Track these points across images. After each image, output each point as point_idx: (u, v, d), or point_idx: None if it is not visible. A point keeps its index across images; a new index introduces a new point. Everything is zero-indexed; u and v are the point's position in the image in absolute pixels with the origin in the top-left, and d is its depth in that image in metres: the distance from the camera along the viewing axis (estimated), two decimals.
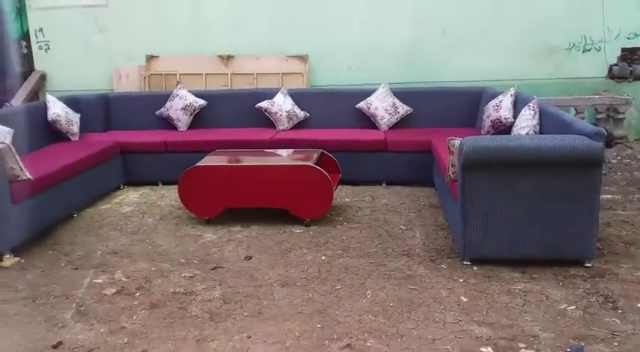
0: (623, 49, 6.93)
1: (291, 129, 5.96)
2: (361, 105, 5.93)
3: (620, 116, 6.39)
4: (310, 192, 4.38)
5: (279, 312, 3.15)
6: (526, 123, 4.24)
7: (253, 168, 4.47)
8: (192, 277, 3.69)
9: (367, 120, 5.95)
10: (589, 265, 3.61)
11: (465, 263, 3.72)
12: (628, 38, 6.85)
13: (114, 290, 3.48)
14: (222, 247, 4.16)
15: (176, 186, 4.64)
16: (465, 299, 3.23)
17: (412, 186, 5.51)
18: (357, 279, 3.53)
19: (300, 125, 6.02)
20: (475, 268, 3.65)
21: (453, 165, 3.76)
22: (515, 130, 4.32)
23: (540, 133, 4.20)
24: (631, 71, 6.88)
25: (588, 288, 3.35)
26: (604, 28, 6.82)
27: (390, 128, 5.86)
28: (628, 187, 5.35)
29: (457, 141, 3.64)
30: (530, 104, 4.35)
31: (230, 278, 3.63)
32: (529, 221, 3.55)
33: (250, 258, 3.96)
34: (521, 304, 3.17)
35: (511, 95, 5.11)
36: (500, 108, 5.07)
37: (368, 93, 5.99)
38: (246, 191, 4.47)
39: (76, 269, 3.84)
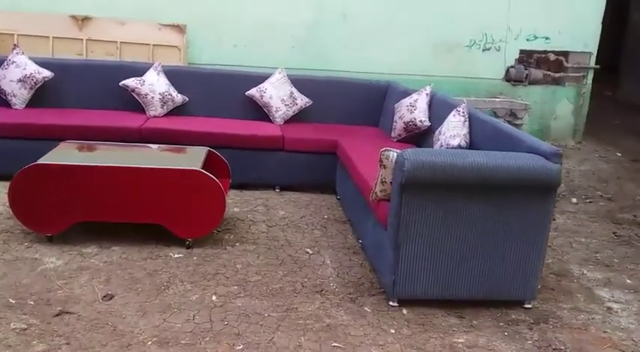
0: (521, 51, 6.72)
1: (165, 115, 4.84)
2: (253, 92, 4.99)
3: (518, 121, 6.16)
4: (195, 204, 3.39)
5: None
6: (455, 131, 3.64)
7: (117, 170, 3.35)
8: (24, 330, 2.58)
9: (258, 111, 5.02)
10: (529, 306, 3.09)
11: (391, 304, 3.02)
12: (527, 39, 6.66)
13: None
14: (71, 279, 3.05)
15: (6, 184, 3.37)
16: None
17: (310, 193, 4.72)
18: (263, 333, 2.66)
19: (177, 111, 4.92)
20: (405, 311, 2.97)
21: (383, 182, 3.02)
22: (442, 139, 3.70)
23: (471, 145, 3.61)
24: (527, 75, 6.71)
25: (537, 340, 2.81)
26: (506, 27, 6.54)
27: (285, 122, 5.00)
28: None
29: (393, 154, 2.90)
30: (459, 109, 3.75)
31: (82, 332, 2.58)
32: (471, 253, 2.94)
33: (112, 297, 2.91)
34: None
35: (426, 95, 4.51)
36: (415, 109, 4.44)
37: (261, 78, 5.06)
38: (105, 200, 3.35)
39: None
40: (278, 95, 4.95)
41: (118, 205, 3.38)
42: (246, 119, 5.00)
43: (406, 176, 2.74)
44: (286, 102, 4.97)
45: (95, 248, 3.41)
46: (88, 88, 4.90)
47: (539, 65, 6.81)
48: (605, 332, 2.94)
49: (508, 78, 6.77)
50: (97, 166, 3.34)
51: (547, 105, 6.92)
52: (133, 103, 4.80)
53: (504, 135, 3.30)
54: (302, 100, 5.03)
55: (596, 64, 6.90)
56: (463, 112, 3.72)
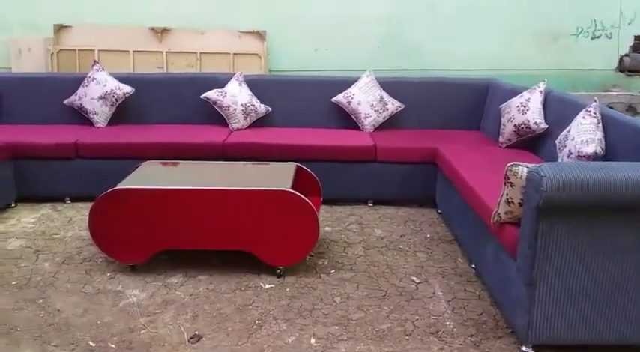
0: (636, 37, 5.92)
1: (248, 127, 4.55)
2: (339, 98, 4.59)
3: (639, 117, 5.39)
4: (286, 228, 3.03)
5: None
6: (588, 135, 3.05)
7: (201, 193, 3.04)
8: None
9: (346, 119, 4.63)
10: None
11: (524, 349, 2.50)
12: None
13: None
14: (156, 315, 2.76)
15: (89, 205, 3.15)
16: None
17: (407, 207, 4.26)
18: None
19: (260, 122, 4.62)
20: None
21: (509, 202, 2.52)
22: (570, 145, 3.13)
23: (608, 153, 3.02)
24: None
25: None
26: (618, 11, 5.77)
27: (375, 129, 4.57)
28: None
29: (522, 169, 2.39)
30: (589, 108, 3.17)
31: None
32: (622, 288, 2.37)
33: (199, 338, 2.59)
34: None
35: (540, 92, 3.92)
36: (528, 109, 3.87)
37: (347, 83, 4.66)
38: (189, 226, 3.06)
39: None
40: (367, 100, 4.52)
41: (203, 231, 3.07)
42: (333, 128, 4.62)
43: (544, 198, 2.22)
44: (376, 108, 4.53)
45: (180, 277, 3.12)
46: (169, 102, 4.69)
47: None
48: None
49: (622, 68, 6.00)
50: (180, 190, 3.05)
51: None
52: (215, 116, 4.54)
53: None
54: (393, 105, 4.58)
55: None
56: (595, 112, 3.13)
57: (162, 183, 3.18)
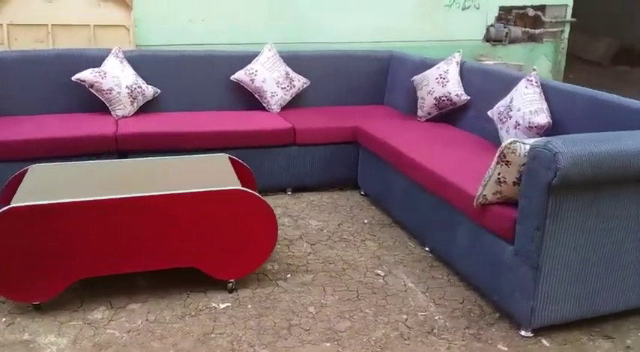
0: (500, 8, 6.21)
1: (135, 114, 3.83)
2: (240, 76, 4.07)
3: None
4: (239, 234, 2.53)
5: None
6: (535, 105, 3.00)
7: (130, 202, 2.39)
8: None
9: (248, 99, 4.13)
10: None
11: (523, 334, 2.38)
12: None
13: None
14: None
15: None
16: None
17: (328, 192, 3.96)
18: None
19: (147, 107, 3.92)
20: (546, 342, 2.34)
21: (501, 182, 2.34)
22: (517, 116, 3.05)
23: (555, 123, 2.99)
24: (506, 33, 6.23)
25: None
26: None
27: (282, 108, 4.15)
28: None
29: (523, 146, 2.22)
30: (530, 78, 3.11)
31: None
32: (621, 260, 2.35)
33: None
34: None
35: (457, 63, 3.85)
36: (448, 81, 3.77)
37: (244, 58, 4.16)
38: (117, 245, 2.41)
39: None
40: (272, 77, 4.07)
41: (134, 250, 2.44)
42: (235, 109, 4.11)
43: (561, 175, 2.06)
44: (282, 85, 4.10)
45: (105, 311, 2.47)
46: (30, 87, 3.76)
47: (516, 22, 6.36)
48: None
49: (488, 38, 6.25)
50: (99, 201, 2.36)
51: (526, 64, 6.50)
52: (90, 102, 3.74)
53: (614, 108, 2.68)
54: (299, 81, 4.19)
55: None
56: (536, 82, 3.09)
57: (65, 195, 2.44)
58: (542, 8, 6.40)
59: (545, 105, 3.01)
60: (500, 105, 3.24)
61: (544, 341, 2.35)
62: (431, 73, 3.88)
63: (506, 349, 2.30)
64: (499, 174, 2.34)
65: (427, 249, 3.11)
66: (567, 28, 6.63)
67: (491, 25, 6.23)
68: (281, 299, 2.59)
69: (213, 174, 2.77)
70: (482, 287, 2.62)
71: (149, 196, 2.38)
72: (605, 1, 9.73)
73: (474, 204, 2.49)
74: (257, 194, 2.51)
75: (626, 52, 9.81)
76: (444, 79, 3.79)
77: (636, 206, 2.28)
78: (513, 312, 2.41)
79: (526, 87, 3.10)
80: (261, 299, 2.58)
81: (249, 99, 4.14)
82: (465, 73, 3.84)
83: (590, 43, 9.82)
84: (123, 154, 3.44)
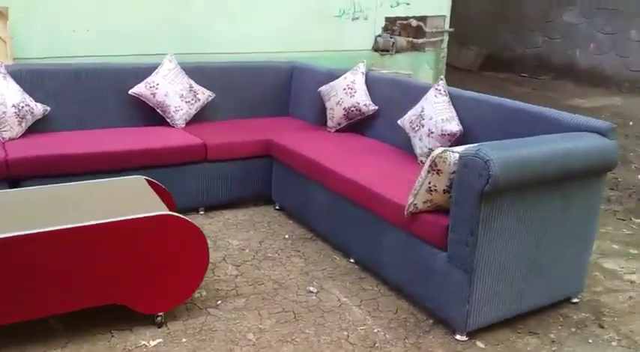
0: (386, 19, 6.46)
1: (24, 135, 3.44)
2: (140, 90, 3.83)
3: None
4: (168, 263, 2.36)
5: None
6: (447, 114, 3.13)
7: (43, 237, 2.12)
8: None
9: (148, 114, 3.89)
10: (576, 300, 2.81)
11: (458, 338, 2.46)
12: (391, 6, 6.41)
13: None
14: None
15: None
16: None
17: (241, 209, 3.84)
18: None
19: (35, 127, 3.54)
20: (480, 344, 2.44)
21: (431, 191, 2.40)
22: (430, 124, 3.15)
23: (463, 127, 3.14)
24: (393, 43, 6.49)
25: (619, 339, 2.53)
26: None
27: (187, 123, 3.96)
28: None
29: (453, 155, 2.30)
30: (438, 87, 3.24)
31: None
32: (541, 257, 2.52)
33: None
34: None
35: (362, 73, 3.92)
36: (355, 91, 3.83)
37: (141, 71, 3.91)
38: (26, 289, 2.13)
39: None
40: (175, 90, 3.87)
41: (43, 292, 2.17)
42: (135, 126, 3.85)
43: (493, 182, 2.16)
44: (187, 99, 3.92)
45: None
46: None
47: (401, 32, 6.66)
48: None
49: (376, 47, 6.48)
50: (7, 239, 2.07)
51: (412, 72, 6.83)
52: None
53: (524, 114, 2.85)
54: (203, 94, 4.03)
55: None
56: (444, 91, 3.23)
57: None
58: (423, 19, 6.75)
59: (454, 114, 3.16)
60: (412, 114, 3.35)
61: (479, 343, 2.44)
62: (338, 84, 3.92)
63: None
64: (429, 183, 2.40)
65: (352, 260, 3.12)
66: (446, 38, 7.05)
67: (379, 36, 6.46)
68: (216, 328, 2.45)
69: (131, 198, 2.56)
70: (414, 295, 2.68)
71: (60, 230, 2.14)
72: (473, 14, 10.51)
73: (405, 213, 2.54)
74: (186, 218, 2.36)
75: (492, 59, 10.67)
76: (351, 89, 3.84)
77: (552, 205, 2.46)
78: (448, 318, 2.49)
79: (435, 95, 3.22)
80: (195, 330, 2.42)
81: (150, 115, 3.90)
82: (369, 83, 3.92)
83: (461, 52, 10.55)
84: (13, 182, 3.07)
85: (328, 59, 5.70)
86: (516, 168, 2.22)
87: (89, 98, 3.77)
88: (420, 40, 6.77)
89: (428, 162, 2.38)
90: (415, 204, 2.49)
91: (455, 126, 3.08)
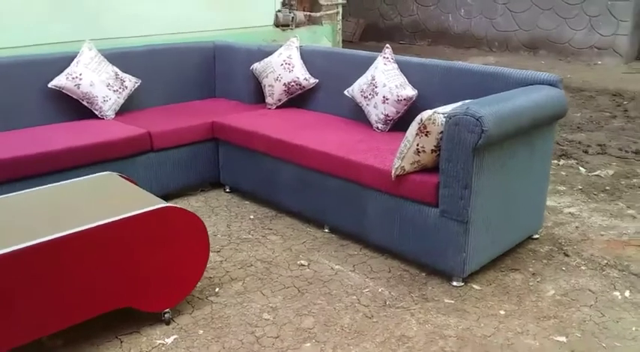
0: None
1: None
2: (61, 82, 3.49)
3: None
4: (171, 257, 2.23)
5: None
6: (399, 80, 3.24)
7: (41, 248, 1.90)
8: None
9: (72, 107, 3.57)
10: (537, 236, 3.10)
11: (455, 284, 2.64)
12: None
13: None
14: None
15: None
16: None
17: (192, 196, 3.70)
18: None
19: None
20: (476, 286, 2.63)
21: (419, 152, 2.51)
22: (384, 91, 3.23)
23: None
24: (292, 17, 6.50)
25: (589, 266, 2.86)
26: None
27: (116, 114, 3.70)
28: None
29: (439, 117, 2.42)
30: (385, 55, 3.34)
31: None
32: (515, 201, 2.76)
33: None
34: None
35: (297, 48, 3.91)
36: (294, 66, 3.82)
37: (59, 61, 3.57)
38: (26, 305, 1.91)
39: None
40: (101, 80, 3.59)
41: (48, 307, 1.96)
42: (60, 121, 3.52)
43: (486, 136, 2.31)
44: (114, 88, 3.65)
45: None
46: None
47: (297, 6, 6.68)
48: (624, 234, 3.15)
49: (277, 23, 6.45)
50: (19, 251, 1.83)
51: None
52: None
53: (474, 73, 3.03)
54: (130, 81, 3.77)
55: None
56: (392, 58, 3.34)
57: None
58: None
59: (405, 79, 3.28)
60: (361, 83, 3.42)
61: (475, 286, 2.63)
62: (274, 60, 3.88)
63: (453, 301, 2.51)
64: (418, 144, 2.50)
65: (327, 230, 3.17)
66: (341, 11, 7.19)
67: (279, 11, 6.42)
68: (227, 315, 2.38)
69: (119, 195, 2.36)
70: (405, 252, 2.79)
71: (58, 238, 1.93)
72: None
73: (392, 176, 2.63)
74: (187, 210, 2.24)
75: (371, 29, 11.06)
76: (289, 64, 3.82)
77: (522, 152, 2.69)
78: (445, 267, 2.64)
79: (385, 63, 3.32)
80: (207, 321, 2.34)
81: (75, 108, 3.58)
82: (305, 57, 3.92)
83: (342, 24, 10.78)
84: None
85: (233, 36, 5.57)
86: (504, 122, 2.39)
87: (6, 96, 3.37)
88: (318, 14, 6.85)
89: (415, 125, 2.47)
90: (403, 167, 2.58)
91: (410, 91, 3.20)
